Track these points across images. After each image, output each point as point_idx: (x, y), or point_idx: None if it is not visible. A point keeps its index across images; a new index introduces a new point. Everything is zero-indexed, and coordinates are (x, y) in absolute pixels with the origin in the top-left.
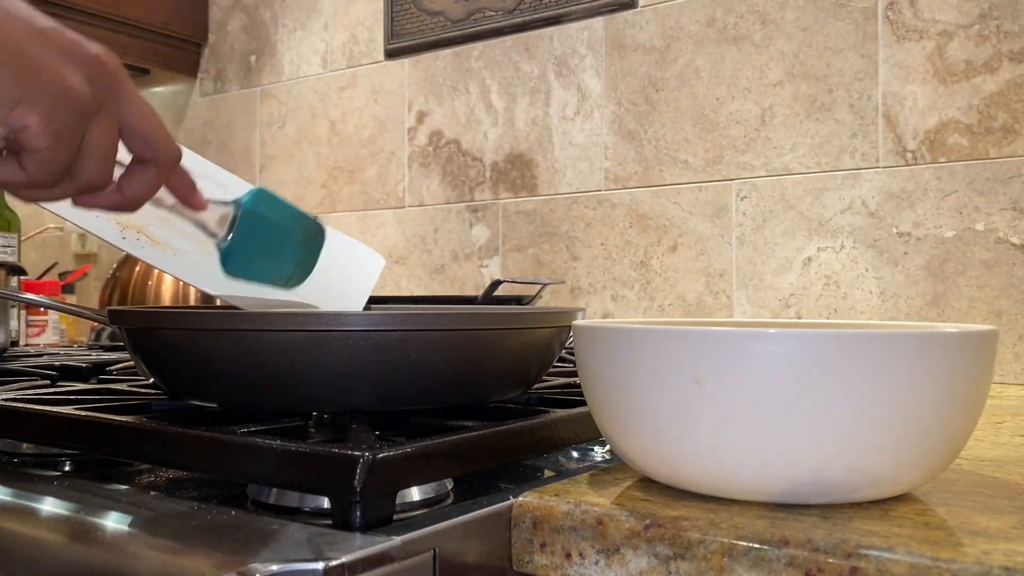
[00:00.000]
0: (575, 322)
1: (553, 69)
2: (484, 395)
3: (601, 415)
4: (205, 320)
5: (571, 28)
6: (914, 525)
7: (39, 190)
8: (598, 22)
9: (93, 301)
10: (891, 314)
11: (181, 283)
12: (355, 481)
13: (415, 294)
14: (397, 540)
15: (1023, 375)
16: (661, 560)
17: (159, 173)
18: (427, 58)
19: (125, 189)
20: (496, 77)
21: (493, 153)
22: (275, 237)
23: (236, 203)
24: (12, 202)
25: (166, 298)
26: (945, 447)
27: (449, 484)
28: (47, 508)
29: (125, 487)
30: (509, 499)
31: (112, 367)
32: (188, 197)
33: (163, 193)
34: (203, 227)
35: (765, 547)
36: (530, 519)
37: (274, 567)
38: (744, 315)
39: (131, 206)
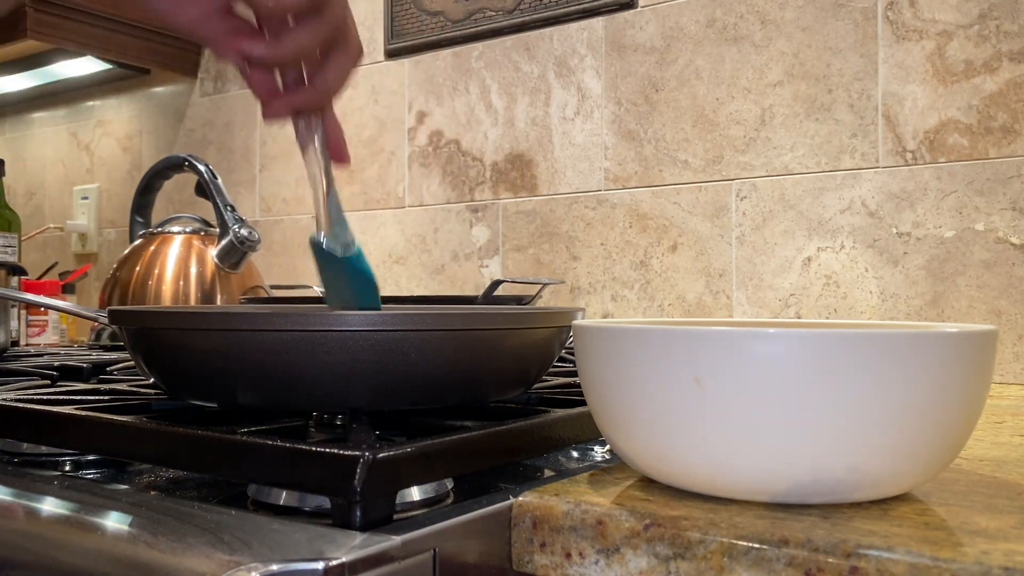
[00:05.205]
0: (575, 322)
1: (553, 69)
2: (484, 395)
3: (601, 415)
4: (205, 320)
5: (571, 28)
6: (914, 525)
7: (267, 77)
8: (598, 22)
9: (93, 301)
10: (891, 314)
11: (181, 283)
12: (355, 481)
13: (415, 294)
14: (397, 540)
15: (1023, 375)
16: (661, 560)
17: (349, 62)
18: (427, 58)
19: (317, 82)
20: (496, 77)
21: (493, 153)
22: (364, 284)
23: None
24: (13, 202)
25: (166, 298)
26: (945, 447)
27: (449, 484)
28: (47, 508)
29: (125, 487)
30: (509, 499)
31: (112, 367)
32: (339, 146)
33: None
34: (319, 216)
35: (765, 547)
36: (530, 519)
37: (274, 567)
38: (744, 315)
39: (323, 99)
